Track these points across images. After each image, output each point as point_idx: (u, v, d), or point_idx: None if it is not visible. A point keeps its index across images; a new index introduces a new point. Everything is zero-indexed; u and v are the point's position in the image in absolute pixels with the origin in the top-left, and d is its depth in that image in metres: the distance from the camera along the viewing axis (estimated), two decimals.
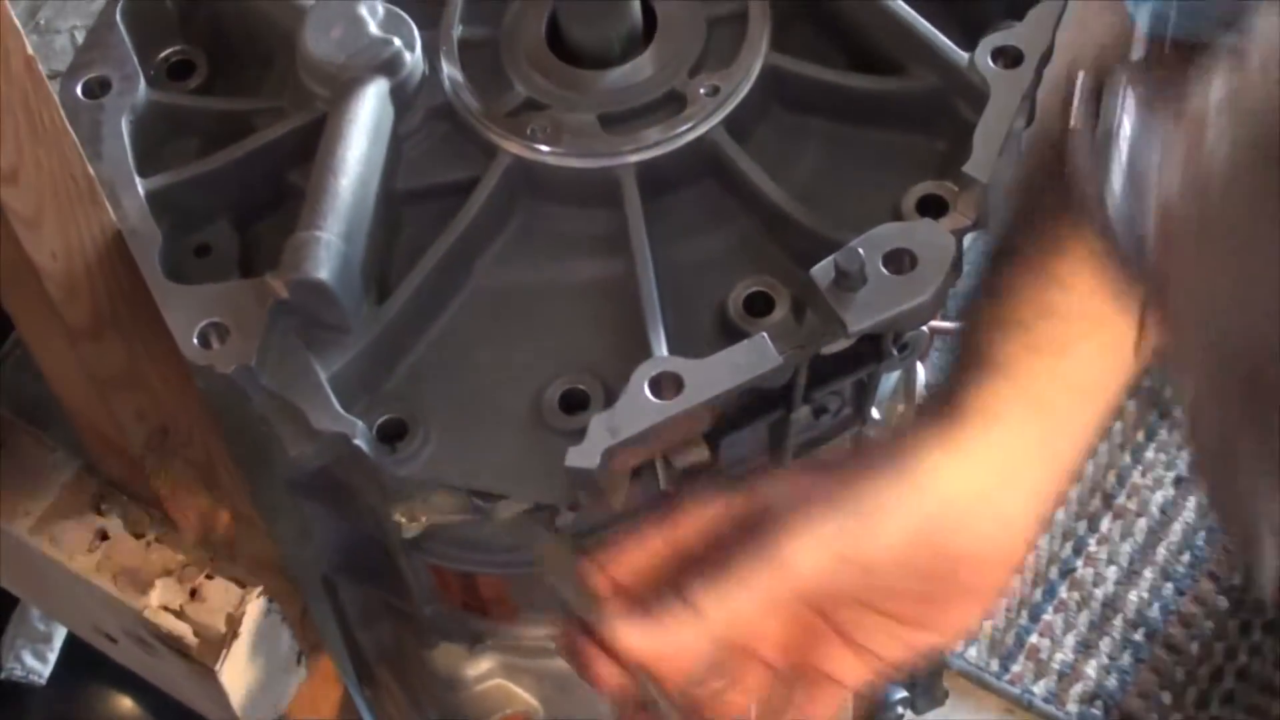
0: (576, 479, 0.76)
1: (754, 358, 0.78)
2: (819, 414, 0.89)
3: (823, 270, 0.78)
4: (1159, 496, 1.77)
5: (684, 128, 0.85)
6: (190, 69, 0.93)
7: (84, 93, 0.87)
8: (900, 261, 0.78)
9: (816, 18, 0.90)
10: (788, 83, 0.87)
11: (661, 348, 0.79)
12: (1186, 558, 1.73)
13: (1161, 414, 1.80)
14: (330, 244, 0.79)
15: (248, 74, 0.93)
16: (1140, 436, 1.80)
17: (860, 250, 0.77)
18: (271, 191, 0.88)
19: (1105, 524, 1.76)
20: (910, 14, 0.87)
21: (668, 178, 0.86)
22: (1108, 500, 1.77)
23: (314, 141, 0.85)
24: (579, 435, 0.76)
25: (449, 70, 0.88)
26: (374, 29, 0.85)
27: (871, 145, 0.88)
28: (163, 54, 0.93)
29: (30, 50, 0.74)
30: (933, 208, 0.83)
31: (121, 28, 0.89)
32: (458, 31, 0.89)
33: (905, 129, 0.87)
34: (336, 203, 0.81)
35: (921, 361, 0.97)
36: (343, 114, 0.83)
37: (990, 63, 0.84)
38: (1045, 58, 0.84)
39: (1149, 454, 1.79)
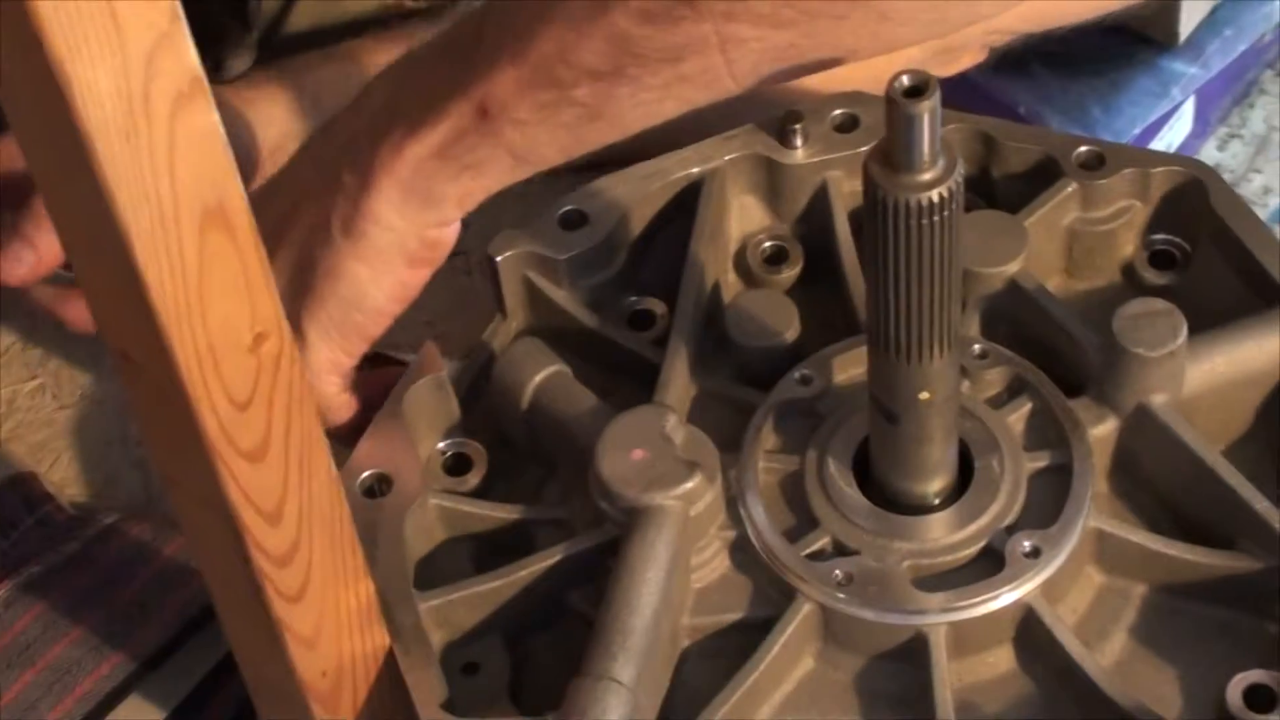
0: None
1: None
2: None
3: None
4: None
5: (1001, 590, 0.79)
6: (468, 465, 0.88)
7: (364, 492, 0.83)
8: None
9: (1138, 480, 0.85)
10: (1110, 547, 0.82)
11: None
12: None
13: None
14: (622, 693, 0.74)
15: (527, 475, 0.89)
16: None
17: None
18: (549, 610, 0.83)
19: None
20: (1244, 487, 0.81)
21: (976, 639, 0.80)
22: None
23: (599, 563, 0.81)
24: None
25: (750, 501, 0.82)
26: (677, 452, 0.81)
27: (1194, 620, 0.81)
28: (440, 445, 0.89)
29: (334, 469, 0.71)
30: (1262, 700, 0.76)
31: (406, 420, 0.85)
32: (760, 460, 0.84)
33: (1233, 606, 0.81)
34: (629, 644, 0.75)
35: None
36: (639, 545, 0.78)
37: None
38: None
39: None
